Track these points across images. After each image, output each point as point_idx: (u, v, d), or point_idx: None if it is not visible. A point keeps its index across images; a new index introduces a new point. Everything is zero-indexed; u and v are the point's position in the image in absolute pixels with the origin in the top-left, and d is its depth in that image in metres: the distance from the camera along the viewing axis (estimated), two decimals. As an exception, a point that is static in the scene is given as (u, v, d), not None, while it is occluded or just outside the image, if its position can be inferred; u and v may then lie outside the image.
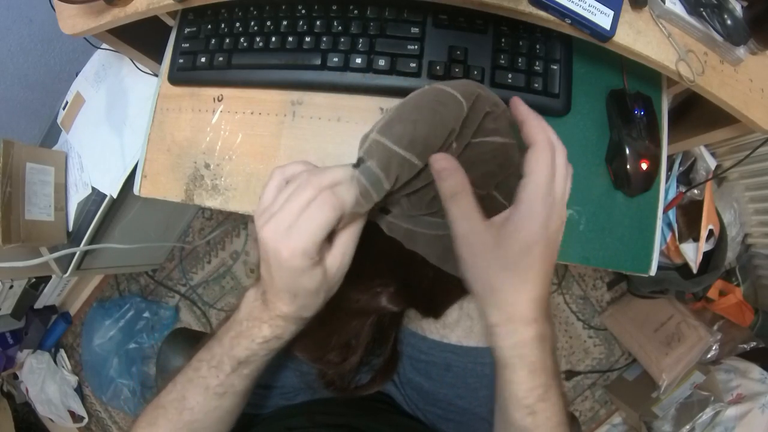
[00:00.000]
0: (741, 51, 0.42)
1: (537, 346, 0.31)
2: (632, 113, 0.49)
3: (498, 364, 0.33)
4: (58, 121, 0.99)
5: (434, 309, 0.54)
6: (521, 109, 0.35)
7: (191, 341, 0.64)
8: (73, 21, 0.55)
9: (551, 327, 0.32)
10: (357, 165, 0.34)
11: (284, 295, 0.34)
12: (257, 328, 0.35)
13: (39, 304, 1.33)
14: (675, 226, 0.92)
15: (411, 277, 0.36)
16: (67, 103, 0.98)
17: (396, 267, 0.40)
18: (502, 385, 0.33)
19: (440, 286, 0.51)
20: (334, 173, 0.33)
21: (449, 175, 0.33)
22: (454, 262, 0.34)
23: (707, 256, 0.95)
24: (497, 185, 0.37)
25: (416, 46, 0.49)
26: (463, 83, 0.36)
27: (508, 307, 0.31)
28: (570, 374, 1.30)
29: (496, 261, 0.31)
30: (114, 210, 0.97)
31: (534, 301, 0.31)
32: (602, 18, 0.40)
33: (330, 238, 0.34)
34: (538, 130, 0.33)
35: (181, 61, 0.56)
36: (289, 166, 0.36)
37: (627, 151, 0.48)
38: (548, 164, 0.31)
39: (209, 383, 0.37)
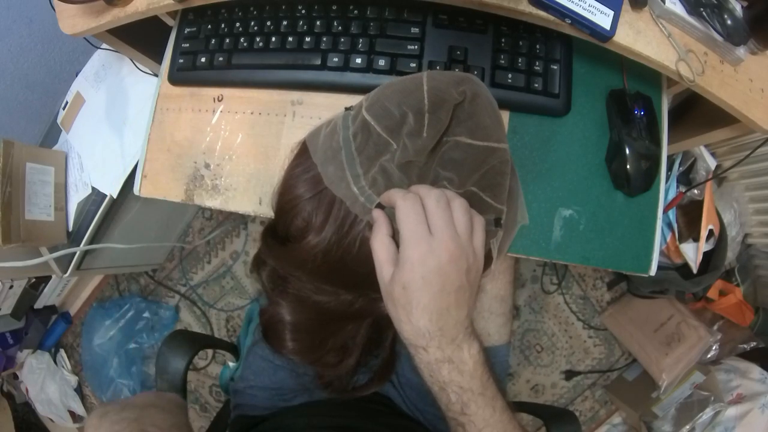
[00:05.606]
0: (741, 51, 0.42)
1: (442, 368, 0.34)
2: (632, 113, 0.49)
3: None
4: (58, 121, 0.99)
5: None
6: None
7: (190, 343, 0.64)
8: (73, 21, 0.55)
9: (464, 351, 0.34)
10: (349, 108, 0.40)
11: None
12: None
13: (39, 304, 1.33)
14: (675, 226, 0.92)
15: None
16: (67, 103, 0.98)
17: None
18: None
19: None
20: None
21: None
22: None
23: (707, 256, 0.95)
24: (479, 183, 0.38)
25: (416, 46, 0.49)
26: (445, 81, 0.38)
27: (402, 333, 0.35)
28: (570, 374, 1.30)
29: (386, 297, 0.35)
30: (114, 210, 0.97)
31: (418, 332, 0.33)
32: (602, 18, 0.40)
33: None
34: (394, 195, 0.35)
35: (181, 61, 0.56)
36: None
37: (627, 151, 0.48)
38: (410, 216, 0.33)
39: None
